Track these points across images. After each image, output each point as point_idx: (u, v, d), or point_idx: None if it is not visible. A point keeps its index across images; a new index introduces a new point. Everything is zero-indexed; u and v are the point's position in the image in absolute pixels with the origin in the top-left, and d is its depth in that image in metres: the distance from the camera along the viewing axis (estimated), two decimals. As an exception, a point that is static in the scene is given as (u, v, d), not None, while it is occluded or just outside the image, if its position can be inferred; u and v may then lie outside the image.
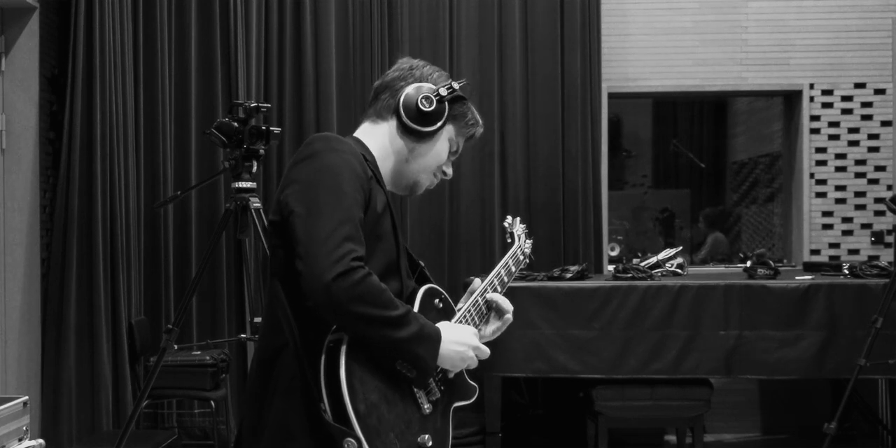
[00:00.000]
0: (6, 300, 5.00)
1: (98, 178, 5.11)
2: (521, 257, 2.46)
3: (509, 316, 2.21)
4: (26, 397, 3.41)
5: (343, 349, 1.81)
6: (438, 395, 1.98)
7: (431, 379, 1.95)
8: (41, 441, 3.40)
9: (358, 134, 2.11)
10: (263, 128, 3.87)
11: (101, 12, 5.14)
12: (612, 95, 5.86)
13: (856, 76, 5.85)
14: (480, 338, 2.12)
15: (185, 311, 3.91)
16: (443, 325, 1.96)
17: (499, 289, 2.25)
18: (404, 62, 2.15)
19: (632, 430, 5.38)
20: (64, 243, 5.10)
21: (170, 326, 3.88)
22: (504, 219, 2.59)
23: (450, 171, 2.18)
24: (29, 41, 5.04)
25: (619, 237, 7.43)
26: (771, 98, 6.91)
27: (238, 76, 5.39)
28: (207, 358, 4.79)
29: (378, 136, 2.09)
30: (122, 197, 5.20)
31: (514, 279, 5.47)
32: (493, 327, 2.20)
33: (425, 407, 1.93)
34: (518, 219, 2.60)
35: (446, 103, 2.09)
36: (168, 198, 4.51)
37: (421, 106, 2.05)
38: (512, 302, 5.10)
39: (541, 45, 5.64)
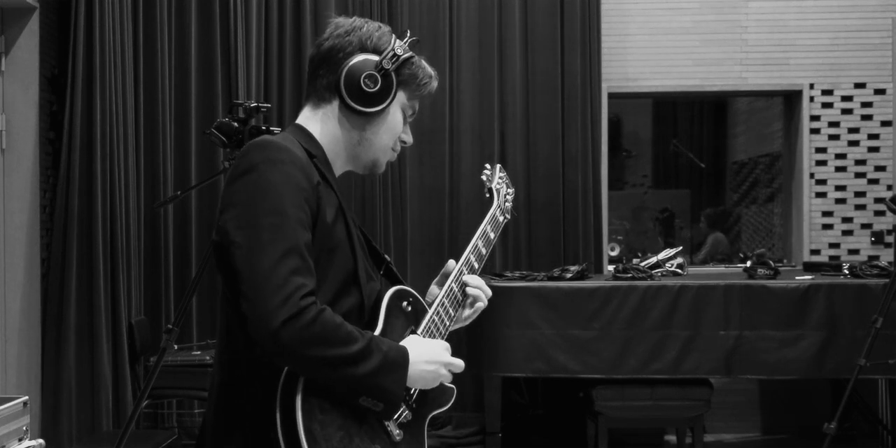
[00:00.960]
0: (6, 300, 5.00)
1: (98, 178, 5.11)
2: (501, 218, 2.19)
3: (482, 304, 2.01)
4: (26, 397, 3.41)
5: (299, 387, 1.65)
6: (410, 416, 1.82)
7: (402, 405, 1.79)
8: (41, 441, 3.40)
9: (300, 121, 1.89)
10: (263, 128, 3.88)
11: (101, 12, 5.14)
12: (612, 95, 5.86)
13: (856, 76, 5.85)
14: (456, 321, 1.99)
15: (185, 311, 3.91)
16: (411, 343, 1.80)
17: (476, 265, 2.04)
18: (339, 26, 1.87)
19: (632, 430, 5.38)
20: (64, 243, 5.10)
21: (170, 326, 3.88)
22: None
23: (409, 137, 1.94)
24: (29, 41, 5.04)
25: (619, 237, 7.43)
26: (771, 98, 6.91)
27: (238, 76, 5.40)
28: (207, 358, 4.79)
29: (322, 122, 1.87)
30: (122, 197, 5.20)
31: (514, 279, 5.44)
32: (468, 312, 2.02)
33: (395, 434, 1.78)
34: (499, 167, 2.30)
35: (393, 74, 1.84)
36: (168, 198, 4.51)
37: (365, 87, 1.81)
38: (512, 302, 5.09)
39: (541, 45, 5.64)
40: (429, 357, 1.80)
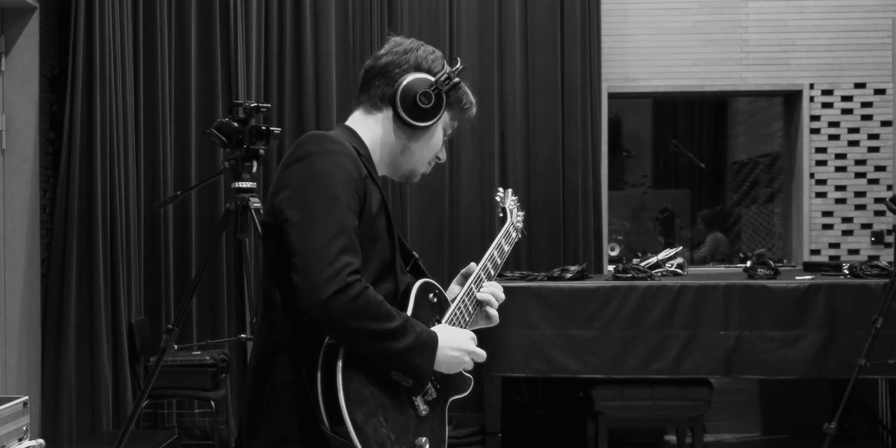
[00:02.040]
0: (6, 300, 5.00)
1: (98, 178, 5.11)
2: (514, 234, 2.40)
3: (496, 316, 2.17)
4: (26, 397, 3.42)
5: (340, 356, 1.80)
6: (435, 395, 1.98)
7: (429, 383, 1.95)
8: (41, 441, 3.40)
9: (350, 123, 2.06)
10: (263, 128, 3.88)
11: (101, 12, 5.14)
12: (612, 95, 5.86)
13: (856, 76, 5.85)
14: (475, 319, 2.14)
15: (185, 311, 3.91)
16: (440, 329, 1.95)
17: (492, 272, 2.22)
18: (397, 44, 2.07)
19: (632, 430, 5.38)
20: (64, 243, 5.10)
21: (170, 326, 3.88)
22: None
23: (444, 155, 2.14)
24: (29, 41, 5.04)
25: (619, 237, 7.43)
26: (771, 98, 6.91)
27: (238, 76, 5.39)
28: (207, 358, 4.79)
29: (372, 127, 2.04)
30: (122, 197, 5.20)
31: (514, 279, 5.46)
32: (483, 322, 2.19)
33: (422, 409, 1.93)
34: (510, 191, 2.53)
35: (444, 95, 2.03)
36: (168, 198, 4.51)
37: (420, 103, 2.00)
38: (512, 302, 5.09)
39: (541, 45, 5.64)
40: (455, 344, 1.95)
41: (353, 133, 2.02)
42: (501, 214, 2.44)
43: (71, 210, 5.10)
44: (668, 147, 9.10)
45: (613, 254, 6.04)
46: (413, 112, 2.01)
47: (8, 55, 5.04)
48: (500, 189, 2.53)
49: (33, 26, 5.04)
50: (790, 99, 6.10)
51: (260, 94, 5.45)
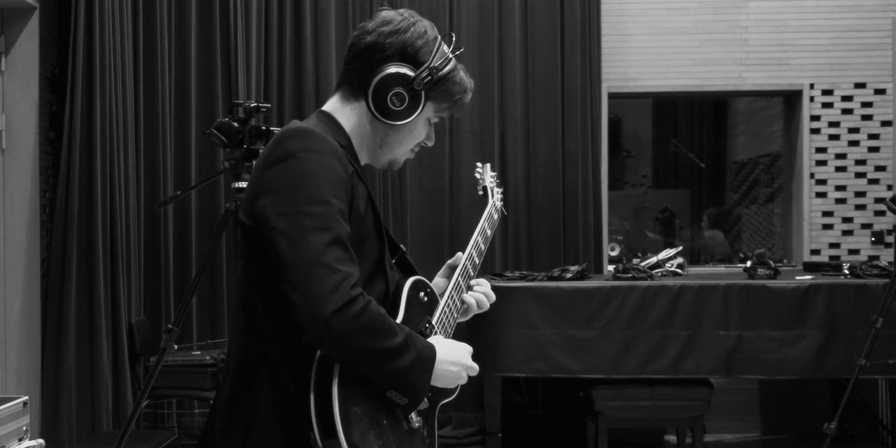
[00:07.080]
0: (6, 300, 5.00)
1: (98, 178, 5.11)
2: (496, 216, 2.24)
3: (487, 304, 2.07)
4: (26, 397, 3.41)
5: (336, 374, 1.67)
6: (427, 404, 1.86)
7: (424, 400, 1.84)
8: (41, 441, 3.40)
9: (329, 108, 1.89)
10: (263, 128, 3.88)
11: (101, 12, 5.14)
12: (612, 95, 5.86)
13: (856, 76, 5.85)
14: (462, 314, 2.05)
15: (185, 311, 3.91)
16: (438, 342, 1.83)
17: (477, 261, 2.10)
18: (385, 22, 1.87)
19: (632, 430, 5.38)
20: (64, 243, 5.10)
21: (170, 326, 3.87)
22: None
23: (431, 141, 1.98)
24: (29, 41, 5.04)
25: (619, 237, 7.43)
26: (771, 98, 6.91)
27: (238, 76, 5.40)
28: (207, 358, 4.79)
29: (349, 116, 1.87)
30: (122, 197, 5.20)
31: (514, 279, 5.45)
32: (471, 315, 2.10)
33: (414, 420, 1.82)
34: (489, 165, 2.36)
35: (423, 93, 1.84)
36: (168, 198, 4.51)
37: (391, 104, 1.83)
38: (512, 302, 5.10)
39: (541, 45, 5.64)
40: (454, 358, 1.83)
41: (332, 121, 1.87)
42: (481, 192, 2.26)
43: (71, 210, 5.10)
44: (668, 147, 9.10)
45: (613, 254, 6.04)
46: (385, 111, 1.84)
47: (8, 55, 5.04)
48: (479, 164, 2.36)
49: (33, 26, 5.04)
50: (790, 99, 6.10)
51: (260, 94, 5.45)
